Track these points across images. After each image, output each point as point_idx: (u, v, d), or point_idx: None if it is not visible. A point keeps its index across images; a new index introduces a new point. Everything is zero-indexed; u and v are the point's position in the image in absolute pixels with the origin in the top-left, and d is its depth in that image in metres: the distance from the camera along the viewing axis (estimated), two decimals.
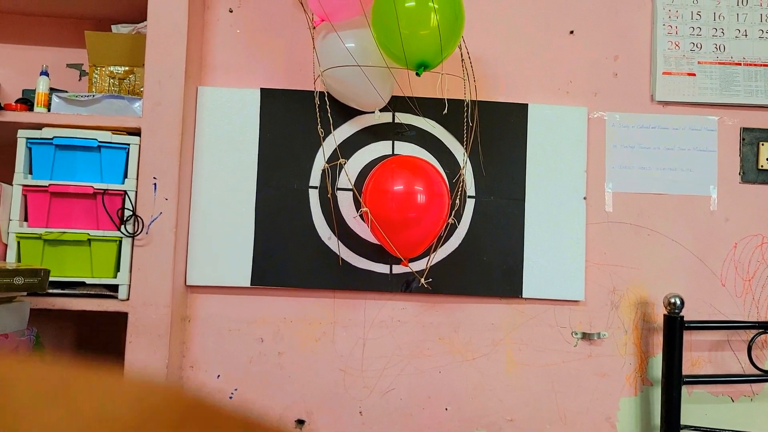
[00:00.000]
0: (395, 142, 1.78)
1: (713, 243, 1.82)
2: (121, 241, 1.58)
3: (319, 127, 1.71)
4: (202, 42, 1.79)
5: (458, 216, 1.75)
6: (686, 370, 1.73)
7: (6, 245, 1.56)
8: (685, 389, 1.74)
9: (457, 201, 1.73)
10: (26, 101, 1.67)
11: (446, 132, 1.78)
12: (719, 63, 1.83)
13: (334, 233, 1.75)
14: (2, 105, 1.59)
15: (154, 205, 1.59)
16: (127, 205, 1.58)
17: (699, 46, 1.84)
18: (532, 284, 1.77)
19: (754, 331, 1.77)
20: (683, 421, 1.70)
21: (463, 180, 1.75)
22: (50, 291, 1.53)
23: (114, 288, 1.58)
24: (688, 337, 1.77)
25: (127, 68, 1.73)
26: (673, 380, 1.69)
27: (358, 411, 1.76)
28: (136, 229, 1.58)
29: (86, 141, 1.57)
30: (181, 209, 1.65)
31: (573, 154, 1.80)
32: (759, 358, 1.79)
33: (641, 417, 1.79)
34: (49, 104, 1.62)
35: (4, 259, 1.56)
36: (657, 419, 1.75)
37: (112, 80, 1.73)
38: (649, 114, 1.83)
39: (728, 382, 1.78)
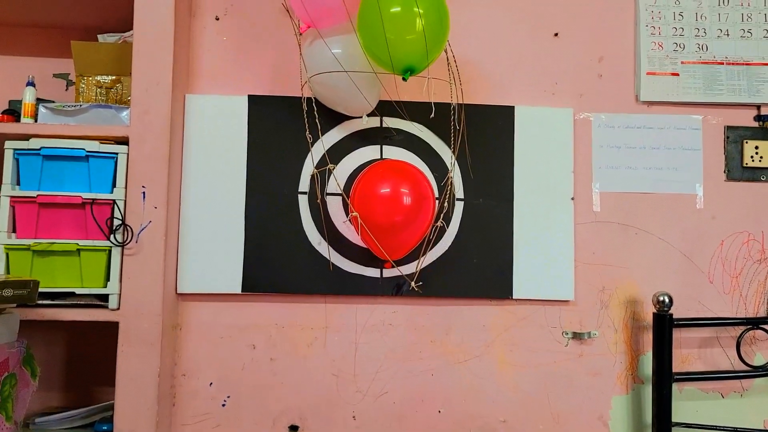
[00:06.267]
0: (383, 146, 1.79)
1: (700, 241, 1.84)
2: (110, 251, 1.58)
3: (307, 132, 1.71)
4: (189, 50, 1.79)
5: (447, 219, 1.76)
6: (676, 367, 1.74)
7: None
8: (675, 386, 1.76)
9: (446, 204, 1.74)
10: (13, 112, 1.66)
11: (434, 135, 1.79)
12: (702, 63, 1.85)
13: (324, 238, 1.75)
14: None
15: (144, 213, 1.59)
16: (116, 214, 1.57)
17: (682, 46, 1.86)
18: (522, 285, 1.78)
19: (743, 327, 1.78)
20: (674, 419, 1.71)
21: (451, 183, 1.76)
22: (40, 302, 1.52)
23: (104, 298, 1.58)
24: (678, 335, 1.78)
25: (114, 77, 1.73)
26: (664, 378, 1.70)
27: (352, 415, 1.76)
28: (125, 238, 1.57)
29: (74, 151, 1.57)
30: (170, 217, 1.65)
31: (560, 155, 1.81)
32: (748, 354, 1.81)
33: (633, 415, 1.80)
34: (36, 115, 1.62)
35: None
36: (649, 417, 1.77)
37: (99, 90, 1.72)
38: (634, 114, 1.85)
39: (718, 379, 1.80)
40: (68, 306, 1.56)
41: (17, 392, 1.42)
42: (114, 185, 1.59)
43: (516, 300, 1.79)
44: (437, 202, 1.72)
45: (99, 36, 1.77)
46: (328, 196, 1.76)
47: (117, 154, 1.59)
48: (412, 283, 1.72)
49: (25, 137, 1.57)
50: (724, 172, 1.85)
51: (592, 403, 1.79)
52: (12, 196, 1.56)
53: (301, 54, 1.65)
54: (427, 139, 1.79)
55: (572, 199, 1.81)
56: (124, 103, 1.71)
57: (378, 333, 1.77)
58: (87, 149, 1.57)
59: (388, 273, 1.75)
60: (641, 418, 1.80)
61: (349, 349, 1.77)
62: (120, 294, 1.57)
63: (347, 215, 1.73)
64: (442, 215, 1.72)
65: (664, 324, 1.71)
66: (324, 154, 1.74)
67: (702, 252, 1.83)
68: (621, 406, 1.80)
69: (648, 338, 1.80)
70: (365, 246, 1.71)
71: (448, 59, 1.67)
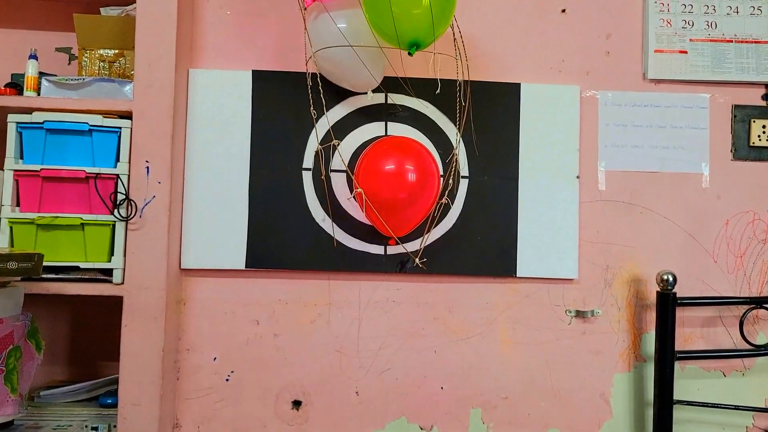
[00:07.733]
0: (388, 122, 1.78)
1: (705, 220, 1.83)
2: (114, 225, 1.58)
3: (311, 108, 1.70)
4: (193, 24, 1.78)
5: (452, 196, 1.75)
6: (679, 346, 1.75)
7: None
8: (677, 365, 1.76)
9: (451, 181, 1.73)
10: (15, 85, 1.65)
11: (439, 112, 1.78)
12: (711, 40, 1.83)
13: (328, 215, 1.74)
14: None
15: (147, 188, 1.59)
16: (120, 188, 1.57)
17: (691, 23, 1.83)
18: (525, 263, 1.78)
19: (746, 307, 1.78)
20: (676, 397, 1.72)
21: (456, 160, 1.75)
22: (44, 276, 1.52)
23: (108, 272, 1.58)
24: (681, 314, 1.78)
25: (116, 51, 1.71)
26: (666, 356, 1.70)
27: (355, 391, 1.77)
28: (129, 213, 1.57)
29: (77, 125, 1.56)
30: (174, 192, 1.64)
31: (566, 133, 1.80)
32: (750, 333, 1.81)
33: (635, 393, 1.81)
34: (39, 88, 1.61)
35: None
36: (650, 395, 1.77)
37: (101, 64, 1.71)
38: (641, 92, 1.83)
39: (720, 357, 1.80)
40: (73, 280, 1.56)
41: (22, 365, 1.43)
42: (117, 160, 1.59)
43: (519, 278, 1.79)
44: (442, 179, 1.72)
45: (101, 9, 1.75)
46: (332, 173, 1.75)
47: (120, 128, 1.58)
48: (416, 260, 1.72)
49: (28, 111, 1.57)
50: (731, 151, 1.84)
51: (594, 381, 1.80)
52: (15, 170, 1.56)
53: (305, 28, 1.63)
54: (432, 115, 1.78)
55: (577, 177, 1.80)
56: (127, 77, 1.69)
57: (381, 310, 1.78)
58: (90, 123, 1.56)
59: (392, 250, 1.75)
60: (643, 396, 1.80)
61: (353, 325, 1.77)
62: (124, 269, 1.57)
63: (351, 192, 1.72)
64: (446, 192, 1.71)
65: (668, 303, 1.71)
66: (328, 130, 1.73)
67: (707, 231, 1.83)
68: (623, 383, 1.81)
69: (651, 317, 1.80)
70: (369, 223, 1.71)
71: (454, 35, 1.65)
